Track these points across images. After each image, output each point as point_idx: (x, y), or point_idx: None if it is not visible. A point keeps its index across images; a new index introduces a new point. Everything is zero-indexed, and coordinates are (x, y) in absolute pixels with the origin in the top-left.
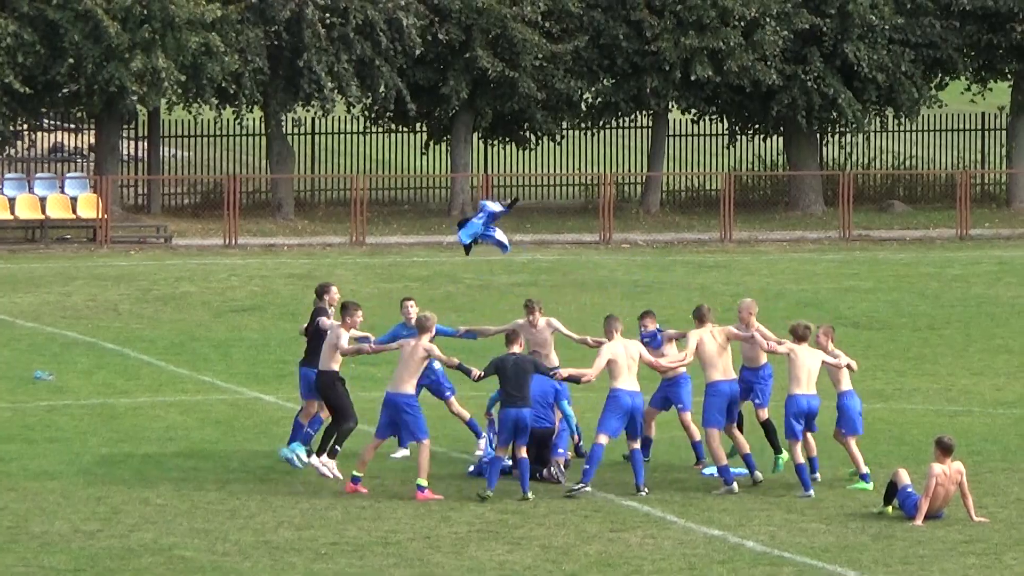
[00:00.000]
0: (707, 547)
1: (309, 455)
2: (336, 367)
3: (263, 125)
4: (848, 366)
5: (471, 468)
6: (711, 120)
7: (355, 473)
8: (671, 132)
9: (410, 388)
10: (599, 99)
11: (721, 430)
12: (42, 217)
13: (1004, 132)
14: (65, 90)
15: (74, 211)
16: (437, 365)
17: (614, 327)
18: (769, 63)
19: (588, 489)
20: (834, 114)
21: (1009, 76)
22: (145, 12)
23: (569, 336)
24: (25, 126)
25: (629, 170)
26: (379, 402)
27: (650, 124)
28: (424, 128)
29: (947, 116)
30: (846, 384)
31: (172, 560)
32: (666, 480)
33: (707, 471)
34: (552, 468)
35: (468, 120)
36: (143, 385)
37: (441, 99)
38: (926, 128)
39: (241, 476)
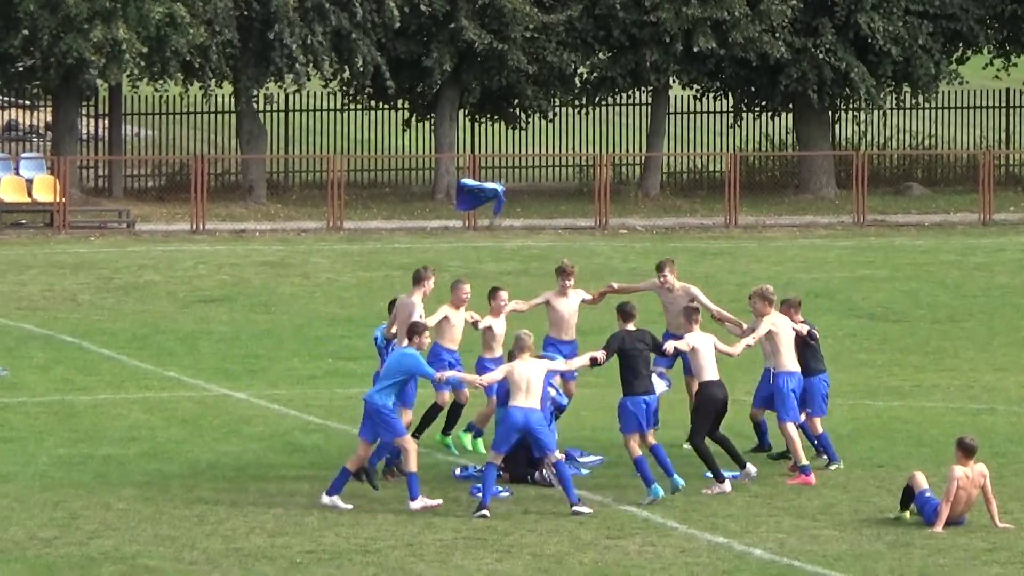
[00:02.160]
0: (711, 555)
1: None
2: None
3: (233, 102)
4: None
5: (457, 471)
6: (715, 96)
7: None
8: (672, 109)
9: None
10: (594, 74)
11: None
12: None
13: None
14: (20, 64)
15: (29, 194)
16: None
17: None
18: (777, 35)
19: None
20: (847, 90)
21: None
22: None
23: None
24: None
25: (627, 150)
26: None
27: (649, 101)
28: (406, 105)
29: (968, 92)
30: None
31: (135, 569)
32: (667, 484)
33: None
34: (544, 471)
35: (453, 96)
36: (104, 381)
37: (424, 73)
38: (946, 105)
39: (210, 479)
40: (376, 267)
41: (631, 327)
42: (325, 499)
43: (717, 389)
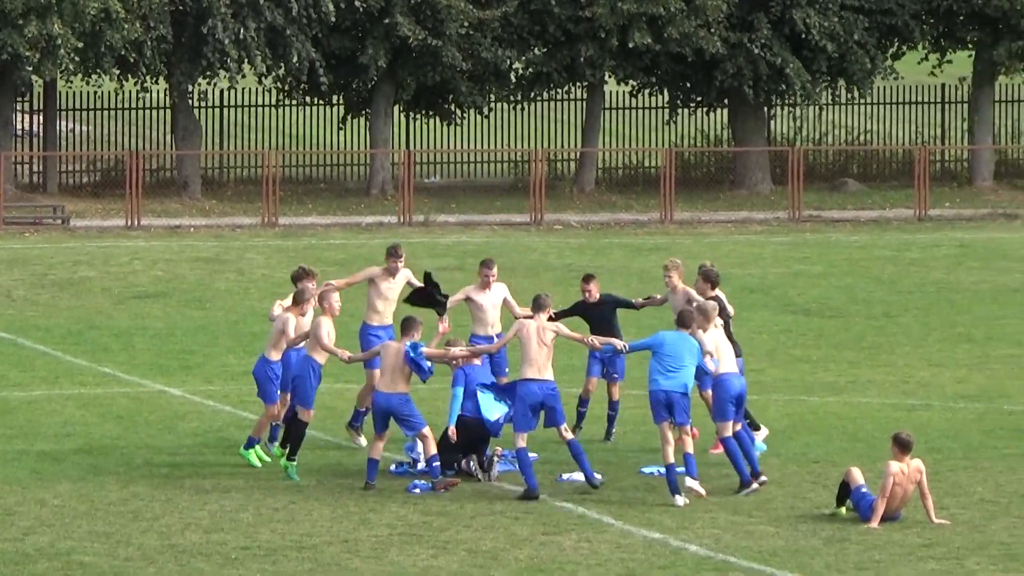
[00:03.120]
0: (647, 551)
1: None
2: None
3: (167, 97)
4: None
5: (392, 467)
6: (650, 92)
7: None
8: (607, 105)
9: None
10: (529, 69)
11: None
12: None
13: (965, 105)
14: None
15: None
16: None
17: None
18: (712, 30)
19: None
20: (782, 85)
21: (970, 45)
22: None
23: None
24: None
25: (562, 146)
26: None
27: (584, 96)
28: (341, 101)
29: (904, 88)
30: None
31: (70, 566)
32: (603, 480)
33: (647, 469)
34: (472, 461)
35: (388, 92)
36: (38, 377)
37: (359, 69)
38: (881, 101)
39: (145, 475)
40: (311, 263)
41: None
42: (690, 483)
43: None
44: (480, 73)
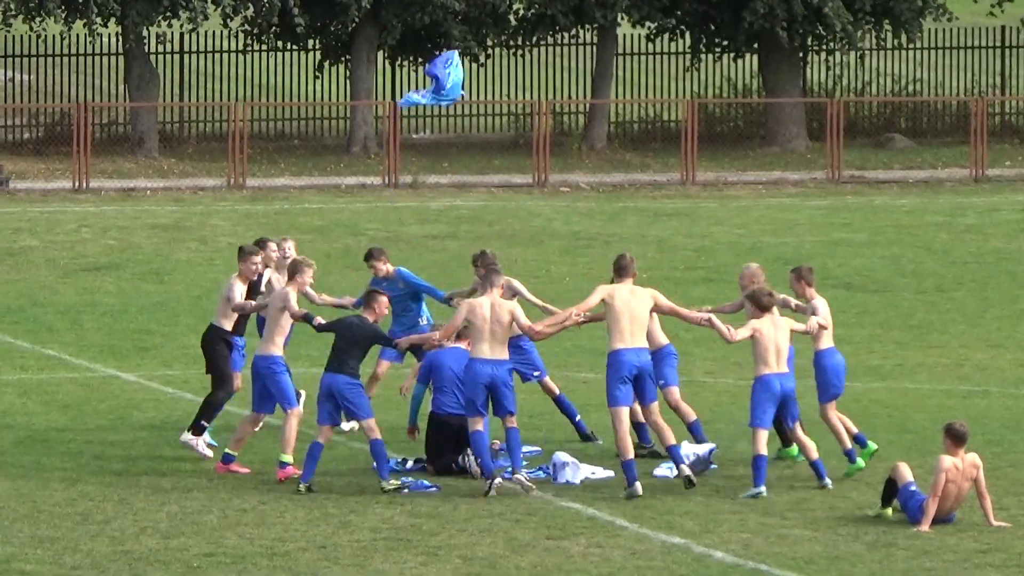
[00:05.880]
0: (665, 558)
1: None
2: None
3: (120, 42)
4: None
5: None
6: (670, 36)
7: (228, 451)
8: (620, 50)
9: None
10: (532, 10)
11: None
12: None
13: None
14: None
15: None
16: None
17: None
18: None
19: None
20: (820, 28)
21: None
22: None
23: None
24: None
25: (569, 97)
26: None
27: (595, 41)
28: (317, 46)
29: (959, 31)
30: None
31: (10, 575)
32: (616, 477)
33: (659, 472)
34: (467, 457)
35: (371, 36)
36: None
37: (338, 10)
38: (933, 45)
39: (95, 472)
40: (284, 230)
41: None
42: None
43: None
44: (475, 15)
